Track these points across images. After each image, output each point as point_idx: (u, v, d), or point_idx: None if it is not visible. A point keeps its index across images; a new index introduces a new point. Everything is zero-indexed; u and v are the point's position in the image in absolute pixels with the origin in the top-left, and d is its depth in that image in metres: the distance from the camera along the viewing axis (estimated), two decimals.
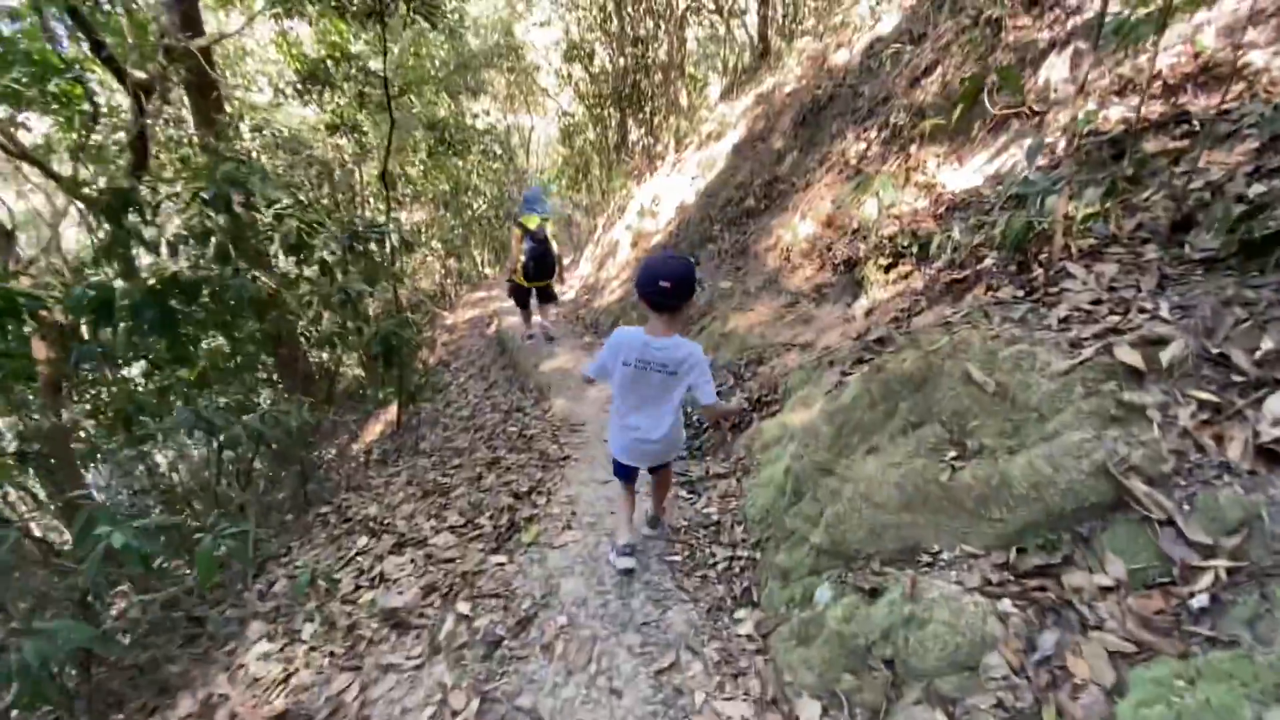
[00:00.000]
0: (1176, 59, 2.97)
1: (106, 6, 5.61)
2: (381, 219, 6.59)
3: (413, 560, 2.98)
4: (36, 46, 6.11)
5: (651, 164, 10.88)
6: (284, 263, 4.41)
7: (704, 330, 5.50)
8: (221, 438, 3.25)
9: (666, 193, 9.44)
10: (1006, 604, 1.61)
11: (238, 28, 5.91)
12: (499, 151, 17.89)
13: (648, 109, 12.76)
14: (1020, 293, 2.32)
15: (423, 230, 12.07)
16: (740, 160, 7.61)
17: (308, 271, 4.35)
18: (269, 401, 6.84)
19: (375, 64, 6.76)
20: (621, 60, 12.72)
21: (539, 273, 6.19)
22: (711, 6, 12.94)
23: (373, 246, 4.67)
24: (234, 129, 6.84)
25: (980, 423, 1.90)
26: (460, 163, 12.43)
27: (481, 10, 15.97)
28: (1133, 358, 1.70)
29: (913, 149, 4.50)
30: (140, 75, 5.78)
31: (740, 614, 2.35)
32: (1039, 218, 2.51)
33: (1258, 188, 2.14)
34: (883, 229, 4.25)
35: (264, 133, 6.75)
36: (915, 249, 3.56)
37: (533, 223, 6.06)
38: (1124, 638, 1.42)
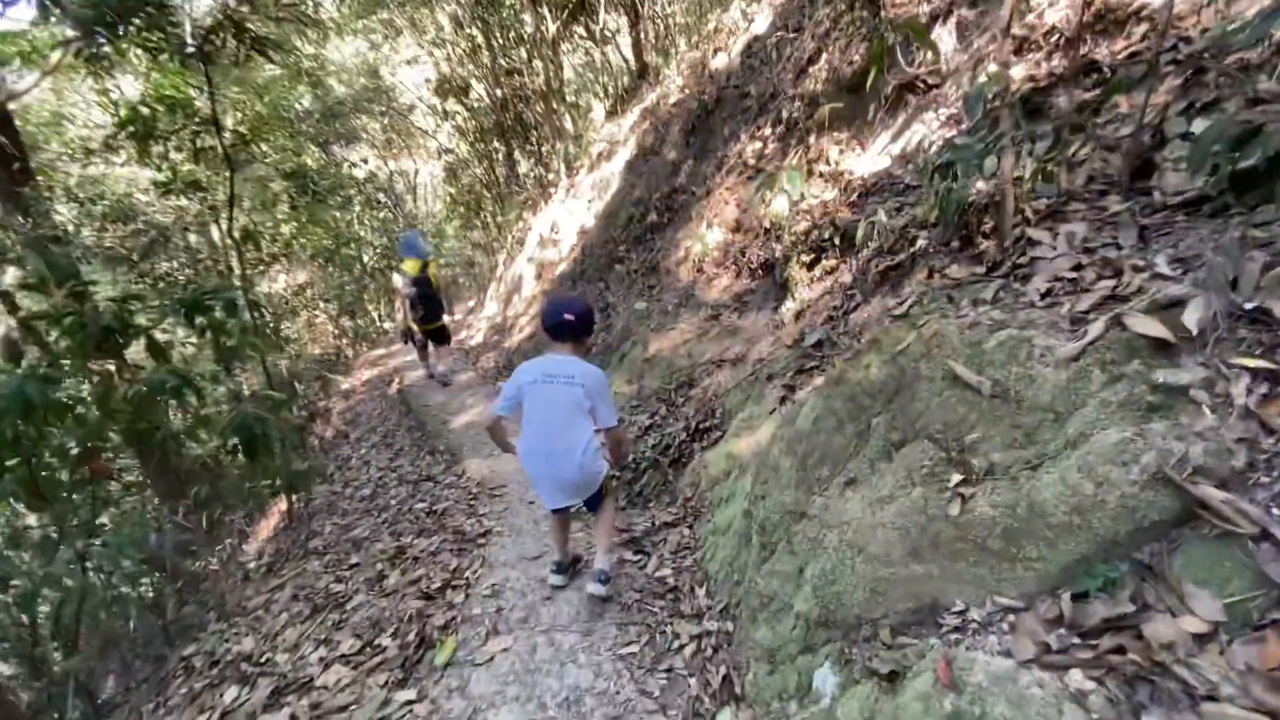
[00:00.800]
0: (1067, 12, 2.85)
1: None
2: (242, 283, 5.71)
3: (293, 717, 2.27)
4: None
5: (545, 192, 10.44)
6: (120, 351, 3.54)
7: (625, 358, 5.05)
8: (10, 594, 2.40)
9: (565, 219, 9.01)
10: (1077, 676, 1.20)
11: (26, 86, 4.95)
12: (383, 199, 16.90)
13: (534, 138, 12.37)
14: (979, 269, 2.00)
15: (302, 290, 10.96)
16: (635, 177, 7.30)
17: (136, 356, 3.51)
18: (119, 518, 5.72)
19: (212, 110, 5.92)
20: (499, 91, 12.28)
21: (427, 315, 6.06)
22: (583, 33, 12.81)
23: (220, 316, 3.88)
24: (45, 200, 5.75)
25: (982, 434, 1.51)
26: (338, 214, 11.47)
27: (344, 55, 15.11)
28: (1152, 327, 1.37)
29: (811, 139, 4.29)
30: None
31: (723, 717, 1.85)
32: (976, 186, 2.23)
33: (1200, 123, 1.94)
34: (796, 225, 3.97)
35: (83, 203, 5.70)
36: (838, 240, 3.28)
37: (414, 267, 5.89)
38: (1252, 707, 1.04)
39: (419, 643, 2.50)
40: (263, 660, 2.80)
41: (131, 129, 4.95)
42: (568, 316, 2.37)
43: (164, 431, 3.56)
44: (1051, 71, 2.71)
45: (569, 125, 12.00)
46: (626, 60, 13.56)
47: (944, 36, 3.63)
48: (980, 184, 2.31)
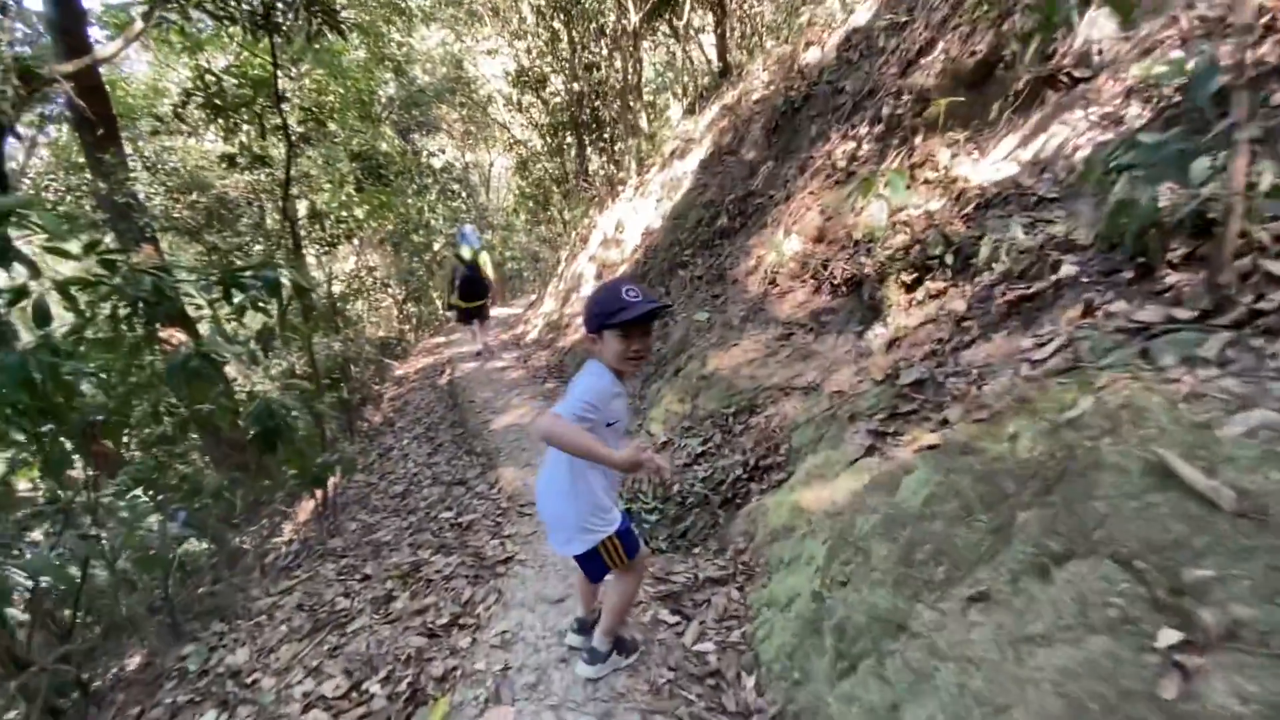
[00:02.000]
0: None
1: None
2: (318, 261, 5.62)
3: None
4: None
5: (613, 190, 10.11)
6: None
7: (680, 372, 4.59)
8: None
9: (631, 218, 8.64)
10: None
11: (111, 51, 5.00)
12: (457, 189, 17.10)
13: (607, 134, 12.09)
14: (1182, 312, 1.44)
15: (370, 272, 11.07)
16: (709, 177, 6.83)
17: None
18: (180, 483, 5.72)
19: (286, 85, 5.91)
20: (576, 85, 12.08)
21: (472, 294, 7.21)
22: (666, 30, 12.44)
23: (258, 294, 3.68)
24: (123, 168, 5.85)
25: (1218, 570, 0.98)
26: (410, 200, 11.54)
27: (428, 45, 15.34)
28: None
29: (917, 140, 3.71)
30: None
31: None
32: (1168, 198, 1.65)
33: None
34: (892, 238, 3.41)
35: (156, 172, 5.77)
36: (949, 259, 2.71)
37: (467, 254, 6.92)
38: None
39: (409, 695, 2.13)
40: (249, 682, 2.51)
41: (200, 99, 4.92)
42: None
43: (192, 412, 3.36)
44: (1261, 59, 2.08)
45: (644, 123, 11.66)
46: (709, 59, 13.12)
47: (1099, 21, 3.00)
48: (1169, 196, 1.73)
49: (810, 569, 2.02)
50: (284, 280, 3.65)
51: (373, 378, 10.01)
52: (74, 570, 2.59)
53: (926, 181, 3.56)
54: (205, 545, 6.00)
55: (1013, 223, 2.48)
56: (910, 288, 2.92)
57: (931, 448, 1.71)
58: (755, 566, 2.53)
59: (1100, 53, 2.95)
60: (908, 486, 1.60)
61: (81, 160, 6.30)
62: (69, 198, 5.84)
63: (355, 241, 12.92)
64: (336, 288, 10.18)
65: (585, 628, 2.23)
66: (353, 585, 3.17)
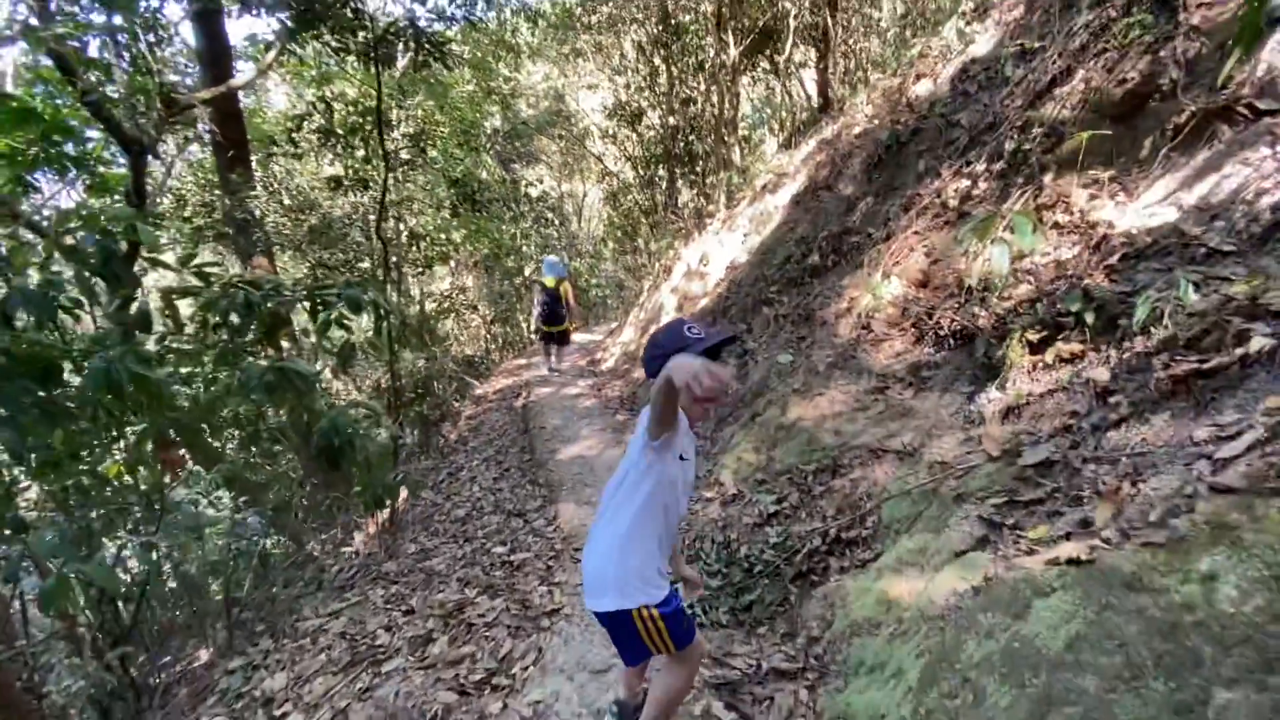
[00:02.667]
0: None
1: (104, 56, 5.22)
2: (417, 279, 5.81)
3: None
4: (45, 105, 5.81)
5: (701, 222, 9.97)
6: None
7: (757, 418, 4.26)
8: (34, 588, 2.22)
9: (716, 252, 8.42)
10: None
11: (244, 80, 5.45)
12: (551, 218, 17.63)
13: (700, 168, 12.04)
14: None
15: (462, 292, 11.48)
16: (801, 212, 6.51)
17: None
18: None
19: (396, 114, 6.28)
20: (672, 119, 12.15)
21: (551, 320, 7.71)
22: (766, 65, 12.32)
23: (342, 312, 3.74)
24: (247, 187, 6.33)
25: None
26: (505, 226, 11.94)
27: (534, 80, 16.05)
28: None
29: (1046, 179, 3.26)
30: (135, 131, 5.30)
31: None
32: None
33: None
34: (1013, 288, 2.98)
35: (274, 192, 6.21)
36: (1090, 317, 2.28)
37: (550, 282, 7.46)
38: None
39: None
40: (279, 715, 2.41)
41: (314, 124, 5.24)
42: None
43: (265, 422, 3.43)
44: None
45: (737, 157, 11.51)
46: (808, 95, 12.85)
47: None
48: None
49: (899, 688, 1.65)
50: (365, 300, 3.71)
51: (454, 395, 10.28)
52: (127, 576, 2.62)
53: (1057, 226, 3.11)
54: (283, 545, 6.20)
55: (1179, 278, 2.03)
56: (1037, 348, 2.49)
57: (1075, 563, 1.33)
58: (830, 663, 2.16)
59: None
60: (1042, 615, 1.23)
61: (215, 179, 6.90)
62: (202, 213, 6.36)
63: (451, 263, 13.54)
64: (428, 306, 10.61)
65: (626, 713, 1.96)
66: (396, 617, 3.05)
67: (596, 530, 1.67)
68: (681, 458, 1.57)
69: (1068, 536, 1.60)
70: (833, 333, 4.39)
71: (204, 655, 3.93)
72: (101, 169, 6.83)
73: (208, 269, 3.12)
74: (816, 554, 2.75)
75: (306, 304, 3.48)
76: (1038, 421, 2.27)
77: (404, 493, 4.77)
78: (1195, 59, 2.79)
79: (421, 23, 4.53)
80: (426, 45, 4.66)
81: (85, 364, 2.57)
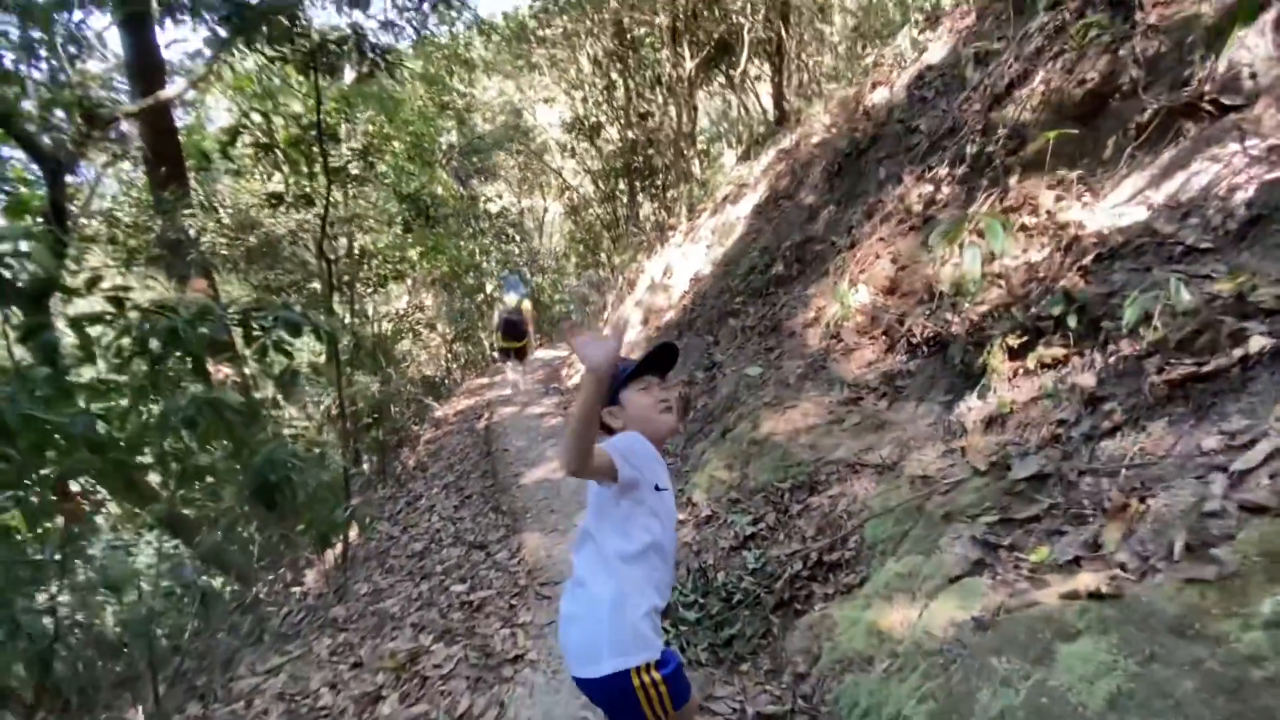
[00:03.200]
0: None
1: (19, 69, 4.80)
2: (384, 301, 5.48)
3: None
4: None
5: (663, 235, 9.88)
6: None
7: (728, 434, 4.10)
8: None
9: (679, 264, 8.32)
10: None
11: (172, 92, 5.11)
12: (512, 234, 17.35)
13: (660, 180, 11.99)
14: None
15: (418, 311, 11.10)
16: (763, 222, 6.45)
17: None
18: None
19: (343, 128, 5.99)
20: (631, 134, 12.10)
21: (513, 336, 7.72)
22: (722, 80, 12.40)
23: (280, 336, 3.44)
24: (180, 205, 5.93)
25: None
26: (463, 243, 11.64)
27: (490, 95, 15.85)
28: None
29: (1012, 181, 3.22)
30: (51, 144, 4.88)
31: None
32: None
33: None
34: (985, 292, 2.90)
35: (211, 210, 5.83)
36: (1073, 319, 2.18)
37: (511, 301, 7.54)
38: None
39: None
40: None
41: (249, 140, 4.93)
42: None
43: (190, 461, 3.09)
44: None
45: (696, 169, 11.51)
46: (764, 108, 12.99)
47: (1248, 41, 2.49)
48: None
49: None
50: (303, 322, 3.42)
51: (412, 418, 9.87)
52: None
53: (1024, 228, 3.05)
54: (229, 585, 5.72)
55: (1162, 277, 1.95)
56: (1017, 353, 2.39)
57: (1097, 598, 1.18)
58: (820, 703, 1.98)
59: (1254, 77, 2.43)
60: (1070, 664, 1.08)
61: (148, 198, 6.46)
62: (133, 234, 5.93)
63: (409, 281, 13.12)
64: (381, 327, 10.20)
65: None
66: (343, 671, 2.75)
67: (577, 595, 1.43)
68: (657, 488, 1.38)
69: (1077, 562, 1.46)
70: (802, 343, 4.28)
71: (137, 717, 3.53)
72: (22, 189, 6.33)
73: (121, 294, 2.80)
74: (798, 580, 2.58)
75: (239, 329, 3.18)
76: (1024, 431, 2.16)
77: (356, 528, 4.44)
78: (1155, 57, 2.78)
79: (367, 33, 4.30)
80: (371, 56, 4.42)
81: None
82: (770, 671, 2.27)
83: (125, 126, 6.28)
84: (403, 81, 5.48)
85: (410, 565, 4.33)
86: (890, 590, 2.08)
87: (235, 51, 4.31)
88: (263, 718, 2.50)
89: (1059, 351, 2.22)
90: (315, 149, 4.95)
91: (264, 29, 4.15)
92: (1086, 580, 1.28)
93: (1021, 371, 2.35)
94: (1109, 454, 1.77)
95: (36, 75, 5.24)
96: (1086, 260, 2.51)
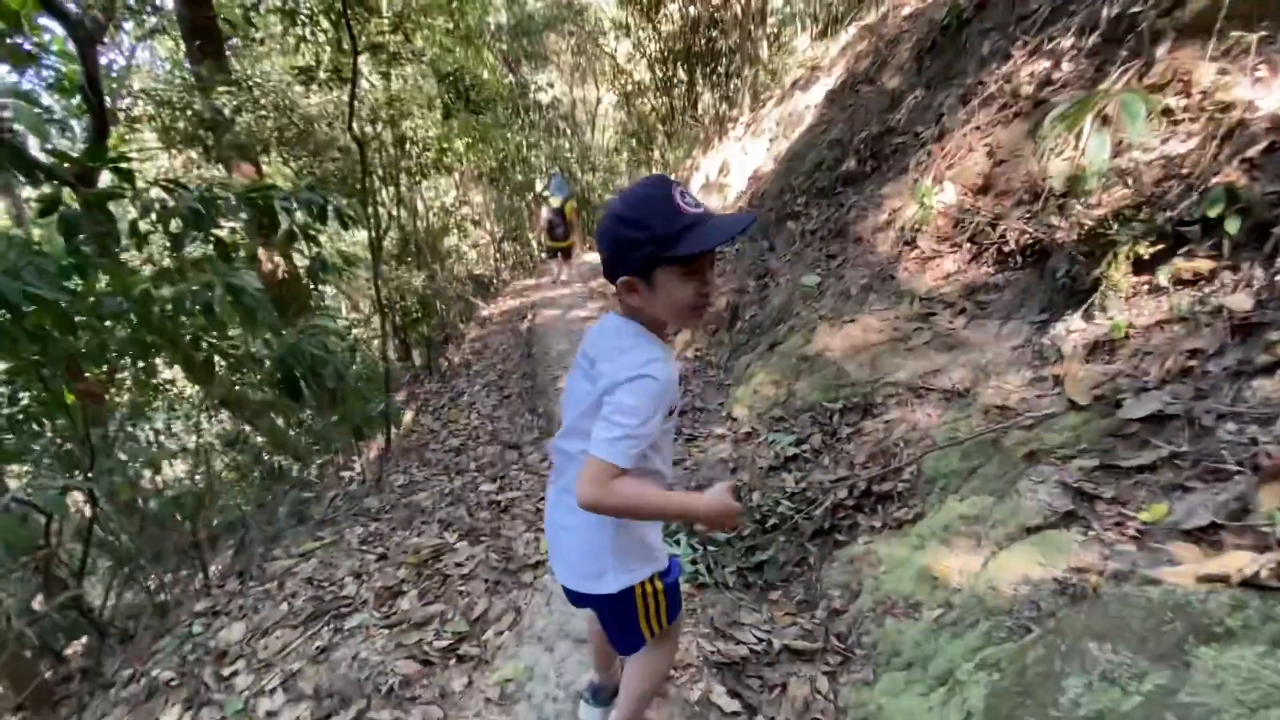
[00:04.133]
0: None
1: None
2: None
3: None
4: None
5: (722, 129, 9.08)
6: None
7: (776, 347, 3.79)
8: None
9: (738, 160, 7.65)
10: None
11: None
12: (563, 127, 16.50)
13: (723, 66, 10.89)
14: None
15: (463, 206, 10.79)
16: (836, 111, 5.72)
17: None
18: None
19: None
20: (693, 10, 10.89)
21: (559, 236, 8.25)
22: None
23: (305, 220, 3.25)
24: (216, 80, 5.67)
25: None
26: (510, 134, 11.07)
27: None
28: None
29: (1159, 52, 2.57)
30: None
31: None
32: None
33: None
34: (1103, 192, 2.39)
35: (247, 89, 5.55)
36: (1233, 225, 1.71)
37: (555, 202, 7.89)
38: None
39: None
40: (227, 674, 2.16)
41: (276, 6, 4.52)
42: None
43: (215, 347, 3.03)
44: None
45: (764, 54, 10.35)
46: None
47: None
48: None
49: (952, 706, 1.26)
50: (325, 206, 3.21)
51: (460, 316, 9.88)
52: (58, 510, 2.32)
53: (1168, 112, 2.46)
54: (290, 463, 6.00)
55: None
56: (1143, 265, 1.94)
57: (1253, 586, 0.88)
58: (855, 646, 1.80)
59: None
60: (1220, 678, 0.80)
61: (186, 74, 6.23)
62: (169, 113, 5.76)
63: (456, 176, 12.75)
64: (429, 221, 10.02)
65: (603, 697, 1.64)
66: (369, 562, 2.77)
67: (571, 504, 1.24)
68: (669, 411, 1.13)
69: (1212, 530, 1.15)
70: (869, 250, 3.82)
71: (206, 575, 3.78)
72: (64, 66, 6.18)
73: (126, 165, 2.62)
74: (842, 509, 2.35)
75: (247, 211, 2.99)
76: (1142, 361, 1.77)
77: (406, 417, 4.46)
78: None
79: None
80: None
81: None
82: (803, 603, 2.10)
83: None
84: None
85: (447, 460, 4.35)
86: (950, 533, 1.82)
87: None
88: (291, 600, 2.55)
89: (1205, 264, 1.77)
90: (344, 19, 4.52)
91: None
92: (1238, 562, 0.98)
93: (1147, 288, 1.91)
94: (1263, 395, 1.39)
95: None
96: (1254, 151, 1.96)
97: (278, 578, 2.81)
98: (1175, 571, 1.06)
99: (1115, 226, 2.06)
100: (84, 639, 2.84)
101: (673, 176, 1.09)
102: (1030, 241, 2.58)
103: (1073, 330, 2.09)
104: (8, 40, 5.57)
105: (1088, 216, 2.34)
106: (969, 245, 2.98)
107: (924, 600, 1.71)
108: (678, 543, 2.48)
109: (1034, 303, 2.45)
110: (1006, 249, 2.70)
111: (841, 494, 2.41)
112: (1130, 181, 2.39)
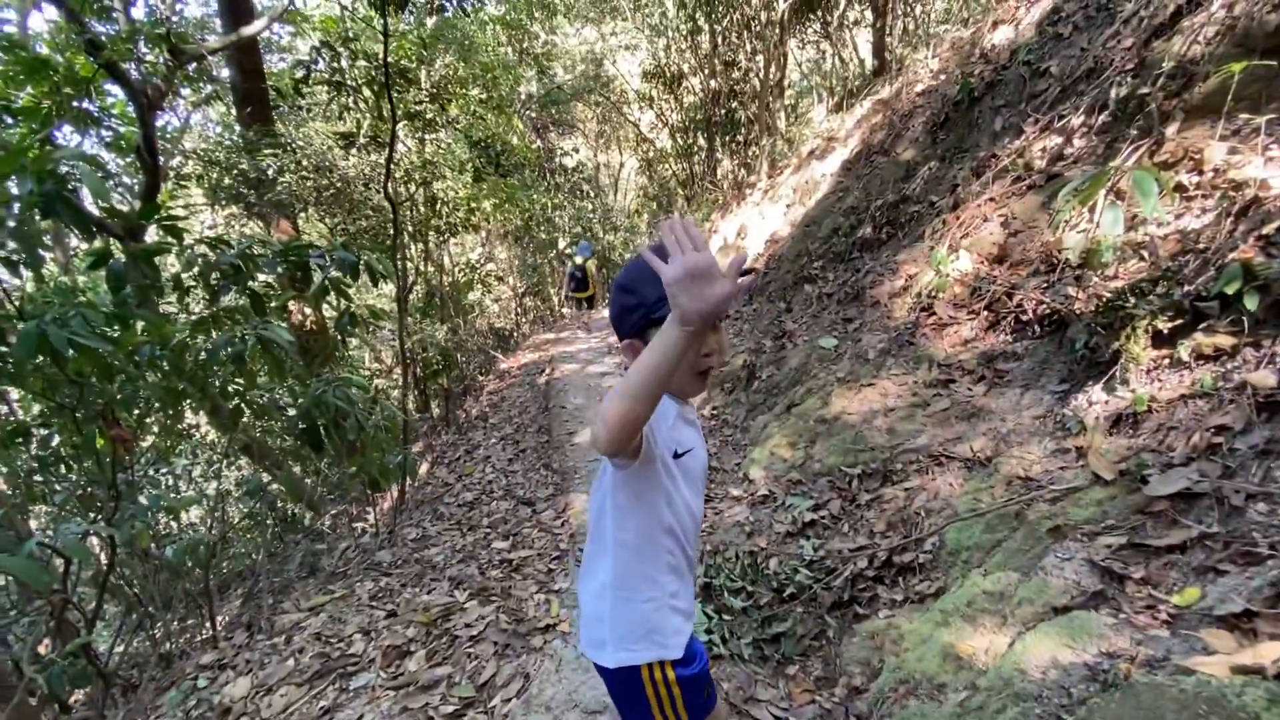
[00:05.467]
0: None
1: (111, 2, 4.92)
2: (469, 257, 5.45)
3: None
4: (61, 56, 5.58)
5: (740, 193, 9.36)
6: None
7: (793, 409, 3.78)
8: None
9: (755, 224, 7.84)
10: None
11: (254, 29, 5.12)
12: (586, 189, 17.11)
13: (742, 135, 11.33)
14: None
15: (487, 263, 11.13)
16: (852, 180, 5.89)
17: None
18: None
19: (422, 72, 5.85)
20: (714, 83, 11.44)
21: (578, 289, 9.48)
22: (817, 27, 11.43)
23: (337, 276, 3.38)
24: (261, 142, 6.03)
25: None
26: (536, 195, 11.51)
27: (572, 44, 15.44)
28: None
29: (1169, 130, 2.64)
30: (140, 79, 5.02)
31: None
32: None
33: None
34: (1119, 264, 2.42)
35: (291, 150, 5.90)
36: (1251, 301, 1.72)
37: (579, 260, 9.16)
38: None
39: None
40: None
41: (322, 73, 4.87)
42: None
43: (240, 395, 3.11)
44: None
45: (781, 123, 10.77)
46: (862, 59, 11.92)
47: None
48: None
49: None
50: (359, 262, 3.35)
51: (479, 369, 10.01)
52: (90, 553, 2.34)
53: (1181, 188, 2.51)
54: (304, 512, 5.99)
55: None
56: (1164, 339, 1.94)
57: None
58: None
59: None
60: None
61: (237, 137, 6.63)
62: (220, 172, 6.11)
63: (483, 233, 13.20)
64: (455, 276, 10.32)
65: None
66: (378, 618, 2.73)
67: (586, 568, 1.24)
68: (676, 454, 1.10)
69: (1248, 618, 1.11)
70: (886, 315, 3.85)
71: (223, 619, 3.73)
72: (124, 128, 6.63)
73: (173, 221, 2.78)
74: (861, 579, 2.29)
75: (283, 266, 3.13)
76: (1166, 436, 1.74)
77: (398, 482, 4.47)
78: None
79: None
80: None
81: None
82: (821, 679, 2.02)
83: (218, 69, 6.41)
84: (477, 17, 5.24)
85: (460, 515, 4.32)
86: (973, 609, 1.76)
87: None
88: (297, 656, 2.51)
89: (1225, 340, 1.76)
90: (385, 89, 4.83)
91: None
92: (1274, 652, 0.94)
93: (1168, 362, 1.90)
94: None
95: (136, 14, 5.37)
96: (1270, 228, 1.99)
97: (285, 632, 2.78)
98: (1209, 661, 1.02)
99: (1132, 300, 2.08)
100: (86, 688, 2.80)
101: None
102: (1048, 311, 2.59)
103: (1094, 402, 2.08)
104: (75, 104, 6.01)
105: (1105, 288, 2.36)
106: (986, 313, 3.00)
107: (948, 682, 1.64)
108: (707, 618, 2.42)
109: (1054, 372, 2.44)
110: (1024, 318, 2.71)
111: (861, 564, 2.35)
112: (1146, 255, 2.42)
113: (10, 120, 5.69)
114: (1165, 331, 1.92)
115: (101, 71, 5.50)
